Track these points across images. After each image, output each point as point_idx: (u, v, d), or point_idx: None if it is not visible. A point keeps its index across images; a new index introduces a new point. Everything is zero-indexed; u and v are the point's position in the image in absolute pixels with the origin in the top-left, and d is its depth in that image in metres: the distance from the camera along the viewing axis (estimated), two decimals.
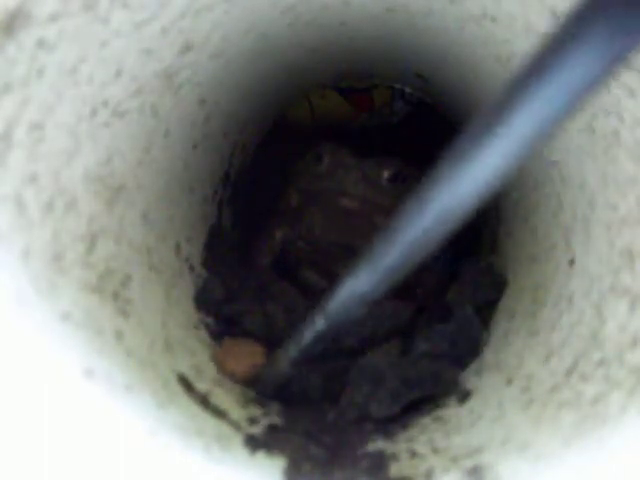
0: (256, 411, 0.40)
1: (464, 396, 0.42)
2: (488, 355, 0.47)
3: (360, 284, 0.29)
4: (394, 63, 0.71)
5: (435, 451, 0.36)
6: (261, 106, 0.69)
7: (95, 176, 0.36)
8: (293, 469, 0.33)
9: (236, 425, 0.37)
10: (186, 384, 0.38)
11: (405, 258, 0.26)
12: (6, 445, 0.27)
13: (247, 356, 0.45)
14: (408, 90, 0.83)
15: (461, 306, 0.51)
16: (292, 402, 0.42)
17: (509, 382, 0.40)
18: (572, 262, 0.41)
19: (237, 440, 0.35)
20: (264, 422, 0.38)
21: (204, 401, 0.38)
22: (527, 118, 0.19)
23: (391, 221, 0.26)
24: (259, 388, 0.42)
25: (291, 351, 0.38)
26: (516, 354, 0.43)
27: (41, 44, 0.29)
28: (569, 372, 0.35)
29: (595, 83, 0.18)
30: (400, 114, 0.91)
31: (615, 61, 0.17)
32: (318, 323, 0.34)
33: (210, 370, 0.43)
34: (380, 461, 0.35)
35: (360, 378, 0.43)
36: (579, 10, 0.18)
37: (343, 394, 0.43)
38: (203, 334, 0.48)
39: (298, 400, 0.43)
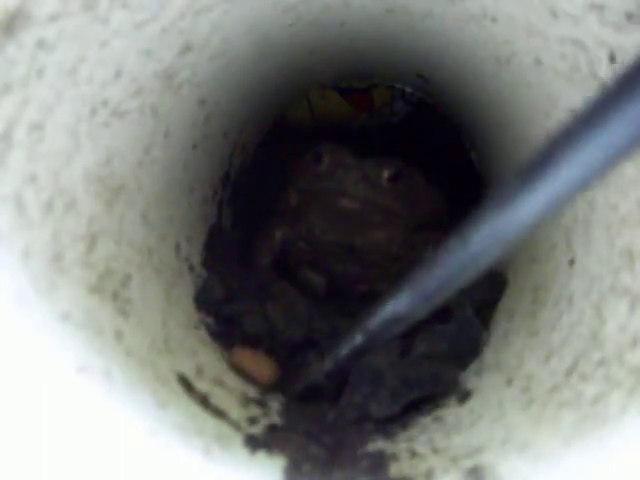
0: (256, 411, 0.40)
1: (464, 396, 0.42)
2: (488, 355, 0.47)
3: (401, 306, 0.31)
4: (394, 64, 0.71)
5: (435, 451, 0.36)
6: (261, 106, 0.69)
7: (95, 176, 0.36)
8: (293, 469, 0.33)
9: (236, 425, 0.37)
10: (186, 384, 0.38)
11: (444, 286, 0.29)
12: (6, 445, 0.27)
13: (263, 367, 0.46)
14: (408, 90, 0.83)
15: (461, 306, 0.51)
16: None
17: (509, 382, 0.40)
18: (572, 262, 0.41)
19: (237, 440, 0.35)
20: (264, 422, 0.38)
21: (204, 401, 0.38)
22: (573, 167, 0.20)
23: (434, 253, 0.28)
24: (289, 394, 0.44)
25: (327, 364, 0.40)
26: (516, 354, 0.43)
27: (41, 44, 0.29)
28: (569, 372, 0.35)
29: None
30: (400, 114, 0.91)
31: None
32: (357, 339, 0.36)
33: (210, 370, 0.43)
34: (380, 461, 0.35)
35: (360, 378, 0.43)
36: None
37: (343, 394, 0.43)
38: (203, 334, 0.48)
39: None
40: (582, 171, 0.20)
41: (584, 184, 0.20)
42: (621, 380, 0.30)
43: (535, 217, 0.22)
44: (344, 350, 0.37)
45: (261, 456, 0.34)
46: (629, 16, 0.31)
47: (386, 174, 0.60)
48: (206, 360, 0.44)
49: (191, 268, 0.52)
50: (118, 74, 0.36)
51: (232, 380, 0.44)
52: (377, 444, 0.37)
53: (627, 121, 0.18)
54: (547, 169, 0.21)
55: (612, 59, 0.34)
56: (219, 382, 0.42)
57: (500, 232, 0.24)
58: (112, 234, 0.38)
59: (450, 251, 0.26)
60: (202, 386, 0.39)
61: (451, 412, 0.41)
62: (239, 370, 0.45)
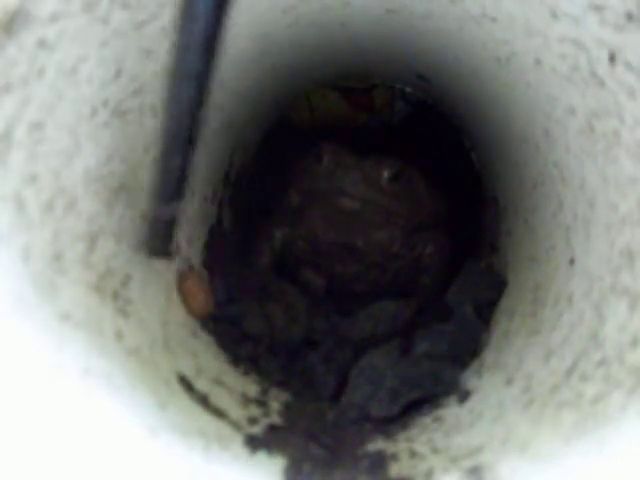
0: (256, 411, 0.40)
1: (464, 396, 0.42)
2: (488, 355, 0.47)
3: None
4: (394, 64, 0.71)
5: (435, 451, 0.36)
6: (261, 106, 0.69)
7: (95, 176, 0.36)
8: (293, 469, 0.33)
9: (236, 425, 0.37)
10: (186, 384, 0.38)
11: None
12: (7, 445, 0.27)
13: (199, 298, 0.47)
14: (408, 90, 0.83)
15: (461, 306, 0.51)
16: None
17: (509, 382, 0.40)
18: (572, 262, 0.41)
19: (237, 440, 0.35)
20: (264, 422, 0.38)
21: (204, 401, 0.38)
22: None
23: None
24: (151, 248, 0.40)
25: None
26: (516, 354, 0.43)
27: (41, 44, 0.29)
28: (569, 372, 0.35)
29: None
30: (400, 114, 0.91)
31: None
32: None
33: (210, 370, 0.43)
34: (380, 461, 0.35)
35: (360, 378, 0.44)
36: None
37: (343, 394, 0.43)
38: (203, 334, 0.48)
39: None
40: None
41: None
42: (621, 380, 0.30)
43: None
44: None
45: (261, 456, 0.34)
46: (629, 16, 0.31)
47: (386, 174, 0.60)
48: (206, 360, 0.44)
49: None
50: (118, 74, 0.36)
51: (232, 380, 0.44)
52: (377, 444, 0.37)
53: None
54: None
55: (612, 59, 0.34)
56: (219, 382, 0.42)
57: None
58: (112, 234, 0.38)
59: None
60: (202, 386, 0.39)
61: (451, 412, 0.41)
62: (181, 292, 0.45)
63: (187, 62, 0.28)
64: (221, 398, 0.39)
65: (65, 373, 0.30)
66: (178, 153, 0.32)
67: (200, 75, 0.29)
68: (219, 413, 0.37)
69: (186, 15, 0.27)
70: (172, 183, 0.34)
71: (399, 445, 0.37)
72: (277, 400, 0.43)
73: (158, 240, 0.39)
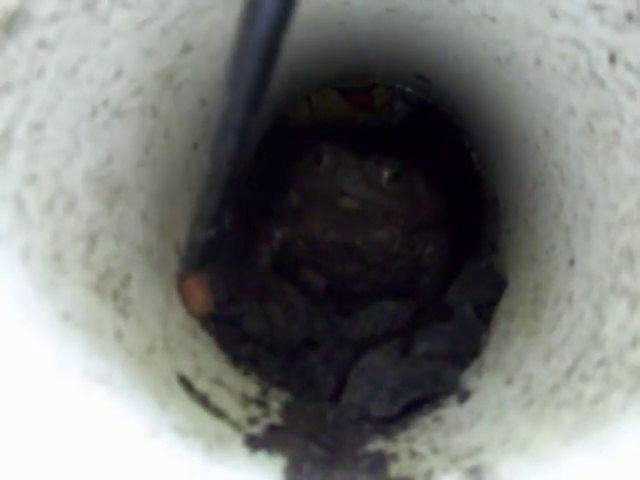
0: (256, 411, 0.40)
1: (464, 396, 0.42)
2: (488, 355, 0.47)
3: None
4: (394, 63, 0.71)
5: (435, 451, 0.36)
6: None
7: (95, 176, 0.36)
8: (293, 469, 0.33)
9: (236, 425, 0.37)
10: (186, 384, 0.38)
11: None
12: (7, 446, 0.27)
13: (199, 298, 0.47)
14: (408, 90, 0.83)
15: (461, 306, 0.51)
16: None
17: (509, 382, 0.40)
18: (572, 262, 0.41)
19: (237, 440, 0.35)
20: (264, 422, 0.38)
21: (204, 401, 0.38)
22: None
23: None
24: (187, 264, 0.47)
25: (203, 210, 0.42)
26: (516, 354, 0.43)
27: (41, 44, 0.29)
28: (569, 372, 0.35)
29: None
30: (400, 114, 0.91)
31: None
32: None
33: (210, 370, 0.43)
34: (380, 461, 0.35)
35: (360, 378, 0.44)
36: None
37: (343, 394, 0.43)
38: (203, 334, 0.48)
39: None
40: None
41: None
42: (621, 380, 0.30)
43: None
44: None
45: (261, 456, 0.34)
46: (629, 16, 0.31)
47: (386, 174, 0.60)
48: (206, 360, 0.44)
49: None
50: (118, 74, 0.36)
51: (232, 380, 0.44)
52: (377, 444, 0.37)
53: None
54: None
55: (612, 59, 0.34)
56: (219, 382, 0.42)
57: None
58: (112, 234, 0.38)
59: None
60: (202, 386, 0.39)
61: (451, 412, 0.41)
62: (181, 293, 0.47)
63: (233, 118, 0.32)
64: (221, 398, 0.39)
65: (65, 373, 0.30)
66: (217, 190, 0.39)
67: (243, 130, 0.33)
68: (219, 413, 0.37)
69: (232, 72, 0.30)
70: (210, 214, 0.41)
71: (399, 445, 0.37)
72: (277, 400, 0.43)
73: (194, 256, 0.47)
